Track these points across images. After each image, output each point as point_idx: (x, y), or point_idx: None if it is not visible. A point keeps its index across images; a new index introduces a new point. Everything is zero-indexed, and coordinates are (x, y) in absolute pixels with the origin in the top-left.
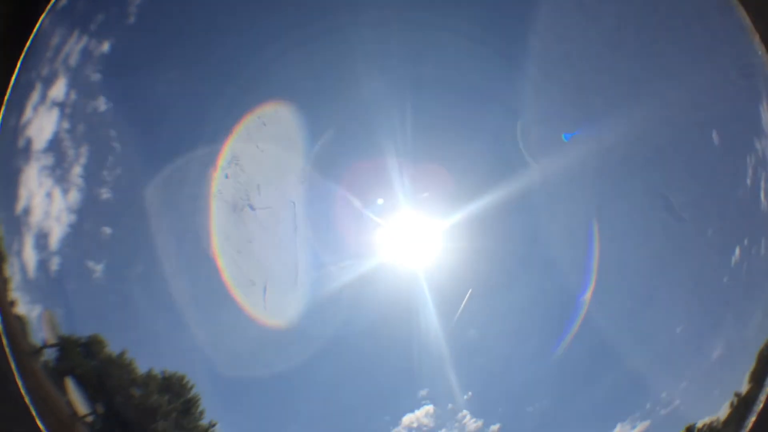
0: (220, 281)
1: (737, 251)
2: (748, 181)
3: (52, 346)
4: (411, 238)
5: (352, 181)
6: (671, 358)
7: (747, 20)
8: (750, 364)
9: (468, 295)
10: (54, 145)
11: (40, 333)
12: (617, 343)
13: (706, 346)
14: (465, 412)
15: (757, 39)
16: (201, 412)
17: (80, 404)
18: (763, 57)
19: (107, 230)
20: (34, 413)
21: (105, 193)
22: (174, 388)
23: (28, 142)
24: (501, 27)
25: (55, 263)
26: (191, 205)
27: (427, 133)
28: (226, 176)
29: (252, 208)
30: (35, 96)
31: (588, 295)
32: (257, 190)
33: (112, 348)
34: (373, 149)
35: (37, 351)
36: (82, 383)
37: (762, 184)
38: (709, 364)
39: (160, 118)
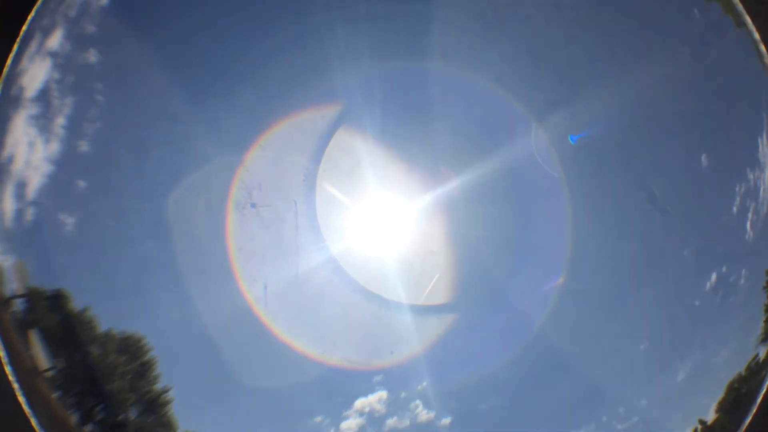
0: (194, 248)
1: (713, 277)
2: (735, 209)
3: (20, 296)
4: (380, 220)
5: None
6: (633, 373)
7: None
8: (717, 394)
9: (434, 281)
10: (43, 95)
11: (11, 283)
12: (579, 349)
13: (670, 368)
14: (418, 402)
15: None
16: (156, 377)
17: (43, 357)
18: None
19: (82, 184)
20: (3, 362)
21: (84, 146)
22: (131, 349)
23: (20, 90)
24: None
25: (30, 213)
26: (170, 168)
27: (398, 119)
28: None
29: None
30: (34, 45)
31: (553, 291)
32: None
33: (76, 304)
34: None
35: (6, 301)
36: (46, 337)
37: (749, 214)
38: (673, 386)
39: (150, 77)
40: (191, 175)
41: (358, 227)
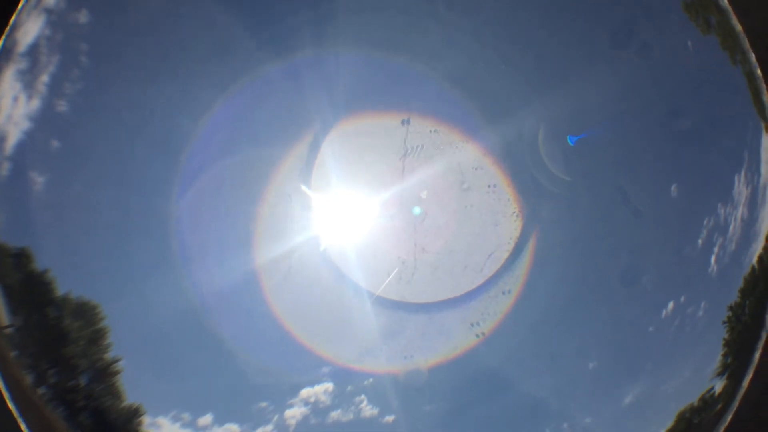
0: (162, 221)
1: (670, 305)
2: (700, 242)
3: None
4: (339, 214)
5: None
6: (579, 390)
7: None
8: (667, 421)
9: (392, 275)
10: (33, 50)
11: None
12: (527, 362)
13: (619, 390)
14: (363, 397)
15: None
16: (108, 345)
17: (3, 314)
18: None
19: (56, 143)
20: None
21: (62, 107)
22: (86, 315)
23: (13, 43)
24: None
25: (3, 169)
26: (151, 136)
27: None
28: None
29: None
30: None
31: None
32: None
33: (38, 264)
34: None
35: None
36: (7, 294)
37: (715, 248)
38: (621, 408)
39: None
40: (174, 144)
41: (348, 221)
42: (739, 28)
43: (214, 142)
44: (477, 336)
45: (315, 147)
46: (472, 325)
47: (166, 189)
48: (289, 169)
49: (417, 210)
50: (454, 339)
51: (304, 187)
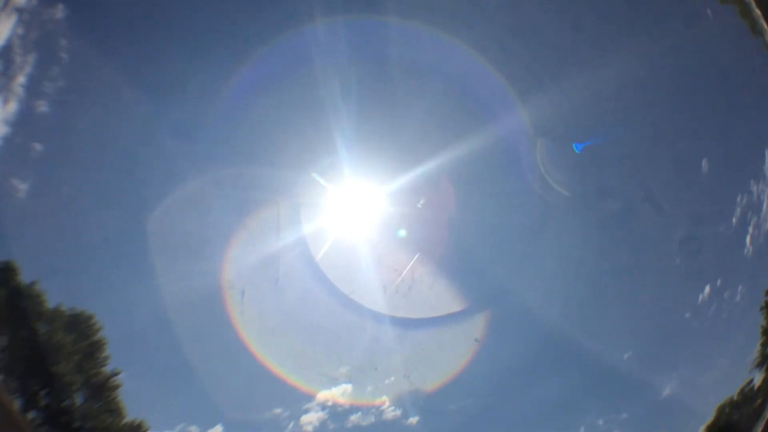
0: (150, 227)
1: (707, 290)
2: (734, 221)
3: None
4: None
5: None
6: (614, 384)
7: None
8: (706, 416)
9: (410, 265)
10: (6, 53)
11: None
12: (560, 357)
13: (655, 382)
14: (385, 398)
15: None
16: (106, 358)
17: None
18: None
19: (37, 147)
20: None
21: (42, 108)
22: (80, 327)
23: None
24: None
25: None
26: (136, 140)
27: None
28: None
29: None
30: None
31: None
32: None
33: (24, 277)
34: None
35: None
36: None
37: (750, 228)
38: (657, 403)
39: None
40: (160, 146)
41: (342, 231)
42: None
43: (195, 153)
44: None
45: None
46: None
47: (152, 194)
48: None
49: (401, 232)
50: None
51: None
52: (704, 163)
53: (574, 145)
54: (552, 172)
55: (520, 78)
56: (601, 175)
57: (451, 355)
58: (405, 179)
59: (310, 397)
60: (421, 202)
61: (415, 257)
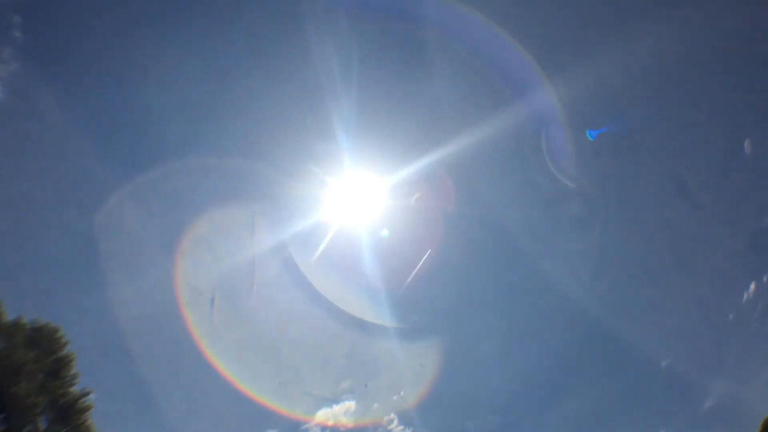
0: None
1: (752, 287)
2: None
3: None
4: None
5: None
6: (652, 395)
7: None
8: (751, 429)
9: (422, 261)
10: None
11: None
12: (592, 368)
13: (695, 392)
14: (393, 416)
15: None
16: (73, 376)
17: None
18: None
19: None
20: None
21: None
22: (44, 342)
23: None
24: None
25: None
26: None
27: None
28: None
29: None
30: None
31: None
32: None
33: None
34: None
35: None
36: None
37: None
38: (699, 415)
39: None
40: (127, 150)
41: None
42: None
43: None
44: None
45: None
46: None
47: (129, 202)
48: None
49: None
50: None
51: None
52: (747, 144)
53: (588, 132)
54: (575, 163)
55: (544, 55)
56: (627, 167)
57: (468, 366)
58: (407, 171)
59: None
60: (416, 197)
61: (426, 254)
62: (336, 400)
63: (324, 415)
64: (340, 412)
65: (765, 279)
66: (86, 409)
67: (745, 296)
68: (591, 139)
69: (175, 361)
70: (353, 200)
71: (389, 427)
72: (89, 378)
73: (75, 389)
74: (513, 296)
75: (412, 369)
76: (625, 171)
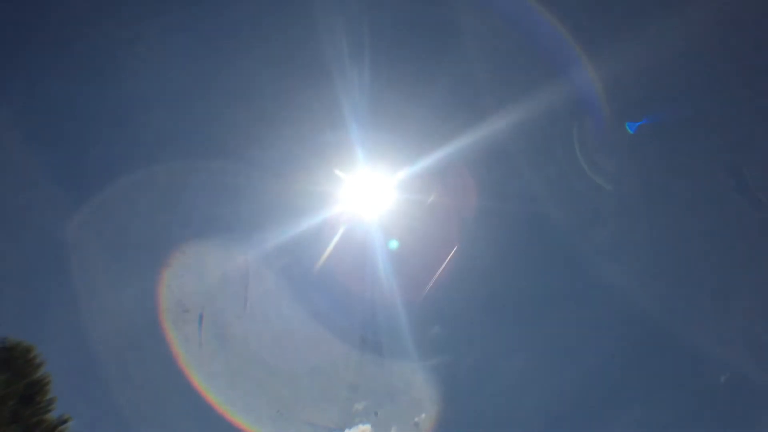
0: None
1: None
2: None
3: None
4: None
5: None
6: (707, 414)
7: None
8: None
9: (442, 267)
10: None
11: None
12: (636, 389)
13: (761, 413)
14: None
15: None
16: (50, 402)
17: None
18: None
19: None
20: None
21: None
22: (16, 364)
23: None
24: None
25: None
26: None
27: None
28: None
29: None
30: None
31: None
32: None
33: None
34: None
35: None
36: None
37: None
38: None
39: None
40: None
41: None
42: None
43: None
44: None
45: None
46: None
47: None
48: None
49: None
50: None
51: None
52: None
53: (627, 125)
54: (617, 155)
55: (584, 33)
56: (676, 161)
57: (500, 384)
58: (425, 165)
59: None
60: (433, 195)
61: (447, 260)
62: (343, 429)
63: None
64: None
65: None
66: None
67: None
68: (631, 131)
69: (158, 389)
70: (363, 199)
71: None
72: (67, 404)
73: (52, 416)
74: (547, 306)
75: (433, 389)
76: (674, 165)
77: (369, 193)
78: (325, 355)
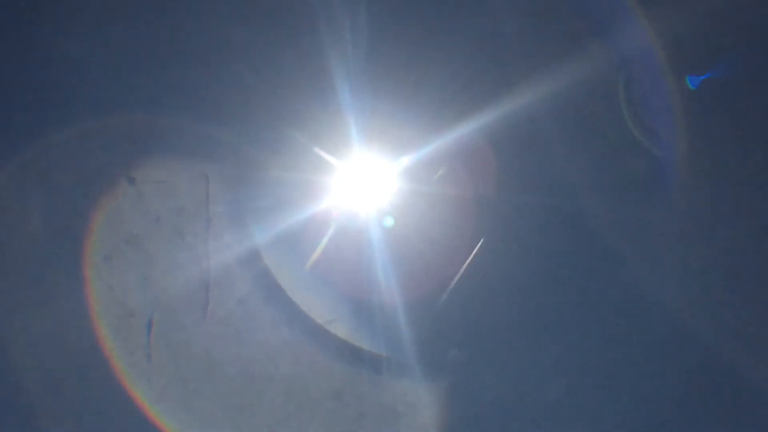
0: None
1: None
2: None
3: None
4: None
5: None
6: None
7: None
8: None
9: (453, 267)
10: None
11: None
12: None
13: None
14: None
15: None
16: None
17: None
18: None
19: None
20: None
21: None
22: None
23: None
24: None
25: None
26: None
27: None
28: None
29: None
30: None
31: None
32: None
33: None
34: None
35: None
36: None
37: None
38: None
39: None
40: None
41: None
42: None
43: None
44: None
45: None
46: None
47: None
48: None
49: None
50: None
51: None
52: None
53: (687, 78)
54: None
55: None
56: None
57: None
58: (434, 146)
59: None
60: (439, 174)
61: (460, 259)
62: None
63: None
64: None
65: None
66: None
67: None
68: (692, 87)
69: (94, 415)
70: (359, 185)
71: None
72: None
73: None
74: (589, 321)
75: (442, 415)
76: (744, 134)
77: (367, 183)
78: (310, 372)
